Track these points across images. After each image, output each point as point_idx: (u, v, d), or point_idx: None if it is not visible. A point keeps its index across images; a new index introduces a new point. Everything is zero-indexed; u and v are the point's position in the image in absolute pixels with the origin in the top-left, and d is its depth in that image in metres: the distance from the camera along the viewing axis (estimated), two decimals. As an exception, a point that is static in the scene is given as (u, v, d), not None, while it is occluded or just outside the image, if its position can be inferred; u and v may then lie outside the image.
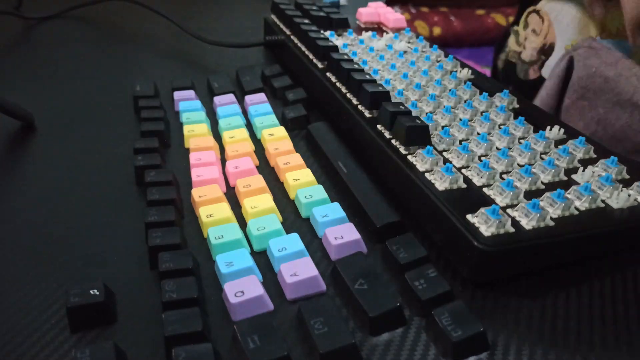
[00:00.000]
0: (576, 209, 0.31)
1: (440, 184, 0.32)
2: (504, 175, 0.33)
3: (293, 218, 0.35)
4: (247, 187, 0.36)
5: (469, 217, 0.29)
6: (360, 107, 0.40)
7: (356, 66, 0.42)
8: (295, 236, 0.31)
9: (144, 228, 0.32)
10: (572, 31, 0.52)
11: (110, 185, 0.38)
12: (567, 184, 0.33)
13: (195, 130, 0.43)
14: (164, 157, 0.41)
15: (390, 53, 0.50)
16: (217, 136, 0.44)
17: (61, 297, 0.29)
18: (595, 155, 0.36)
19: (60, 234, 0.33)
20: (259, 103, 0.47)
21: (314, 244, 0.32)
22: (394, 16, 0.55)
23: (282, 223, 0.34)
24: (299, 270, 0.29)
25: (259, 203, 0.34)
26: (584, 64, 0.46)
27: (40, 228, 0.34)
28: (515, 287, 0.29)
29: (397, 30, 0.55)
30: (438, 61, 0.48)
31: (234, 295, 0.27)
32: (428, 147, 0.34)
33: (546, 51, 0.54)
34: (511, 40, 0.58)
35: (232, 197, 0.36)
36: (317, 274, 0.29)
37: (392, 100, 0.39)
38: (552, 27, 0.53)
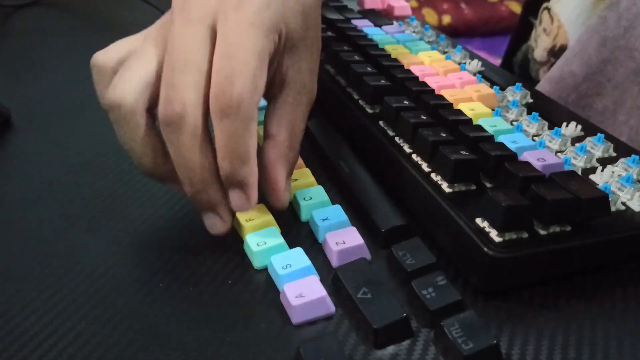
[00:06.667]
0: (595, 211, 0.31)
1: (448, 185, 0.32)
2: (517, 176, 0.33)
3: (291, 222, 0.35)
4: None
5: (478, 220, 0.29)
6: (361, 102, 0.40)
7: (357, 57, 0.42)
8: (299, 251, 0.31)
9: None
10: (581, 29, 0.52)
11: (91, 184, 0.38)
12: (584, 185, 0.33)
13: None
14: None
15: (394, 43, 0.50)
16: (208, 133, 0.44)
17: (42, 302, 0.29)
18: (615, 154, 0.36)
19: (39, 233, 0.33)
20: (253, 97, 0.47)
21: (314, 249, 0.32)
22: (398, 3, 0.55)
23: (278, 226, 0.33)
24: (304, 290, 0.28)
25: (255, 214, 0.33)
26: None
27: (17, 227, 0.34)
28: (530, 296, 0.30)
29: (402, 19, 0.55)
30: (445, 52, 0.48)
31: None
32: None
33: (556, 53, 0.54)
34: (532, 34, 0.58)
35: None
36: (325, 295, 0.28)
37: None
38: (562, 28, 0.54)
